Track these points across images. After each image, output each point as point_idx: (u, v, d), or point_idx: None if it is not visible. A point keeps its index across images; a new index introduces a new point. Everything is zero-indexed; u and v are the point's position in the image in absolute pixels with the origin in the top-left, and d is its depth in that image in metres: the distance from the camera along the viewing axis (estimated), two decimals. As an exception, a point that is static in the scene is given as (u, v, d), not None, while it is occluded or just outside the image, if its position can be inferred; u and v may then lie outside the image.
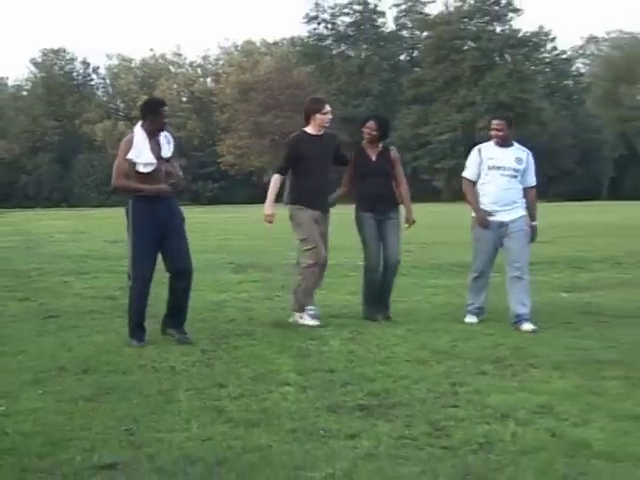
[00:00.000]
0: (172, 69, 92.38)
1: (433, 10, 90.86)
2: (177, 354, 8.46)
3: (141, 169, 8.87)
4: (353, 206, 10.70)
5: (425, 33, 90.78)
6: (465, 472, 5.12)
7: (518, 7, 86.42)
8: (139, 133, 9.02)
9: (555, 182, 75.38)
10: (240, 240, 25.11)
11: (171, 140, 9.24)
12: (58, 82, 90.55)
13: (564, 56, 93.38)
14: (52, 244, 24.46)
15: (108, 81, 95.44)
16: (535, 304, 11.00)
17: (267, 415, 6.39)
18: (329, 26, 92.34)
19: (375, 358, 8.38)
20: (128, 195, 9.14)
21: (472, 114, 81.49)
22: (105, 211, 56.55)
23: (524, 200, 10.19)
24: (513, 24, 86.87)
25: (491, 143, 10.25)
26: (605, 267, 16.26)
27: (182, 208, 9.55)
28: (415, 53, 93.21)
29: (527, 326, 9.71)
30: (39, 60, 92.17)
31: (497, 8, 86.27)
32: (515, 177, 10.08)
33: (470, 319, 10.28)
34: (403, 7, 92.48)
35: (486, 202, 10.10)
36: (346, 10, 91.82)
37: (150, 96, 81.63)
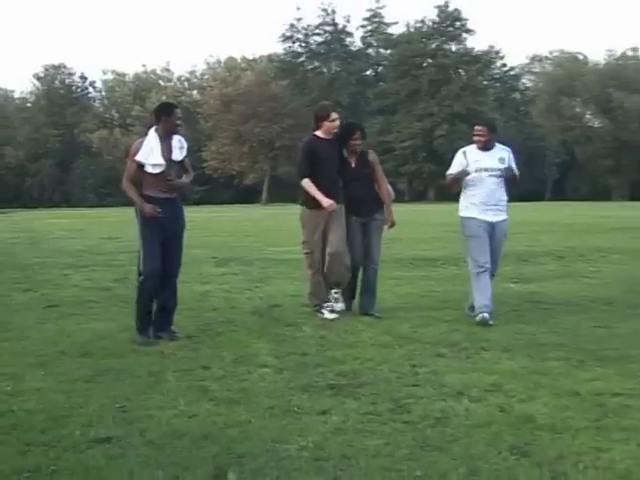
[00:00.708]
0: (162, 83, 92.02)
1: (396, 30, 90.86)
2: (166, 339, 8.44)
3: (149, 170, 8.40)
4: None
5: (389, 51, 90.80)
6: (424, 444, 5.14)
7: (471, 28, 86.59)
8: (152, 135, 8.48)
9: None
10: (222, 237, 25.01)
11: (184, 144, 8.71)
12: (59, 95, 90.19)
13: (512, 72, 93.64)
14: (53, 240, 24.33)
15: (104, 93, 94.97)
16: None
17: (247, 394, 6.40)
18: (303, 44, 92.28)
19: (344, 342, 8.39)
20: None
21: (430, 123, 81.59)
22: (101, 211, 56.37)
23: (507, 200, 9.84)
24: (467, 43, 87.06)
25: (474, 146, 9.81)
26: (548, 260, 16.32)
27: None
28: (380, 69, 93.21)
29: (485, 317, 9.25)
30: (41, 75, 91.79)
31: (452, 29, 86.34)
32: (501, 177, 9.70)
33: (484, 318, 9.29)
34: (369, 28, 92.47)
35: (476, 202, 9.65)
36: (318, 30, 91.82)
37: (142, 105, 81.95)
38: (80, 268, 15.83)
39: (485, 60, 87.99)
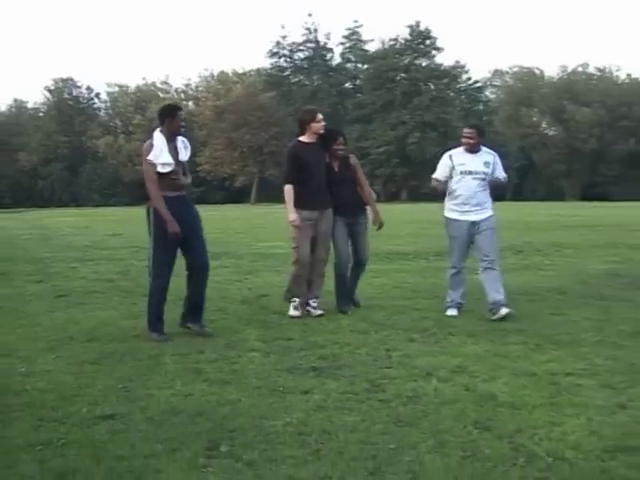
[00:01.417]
0: (161, 94, 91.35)
1: (372, 47, 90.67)
2: (164, 327, 8.41)
3: (159, 169, 7.75)
4: None
5: (365, 66, 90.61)
6: (397, 419, 5.16)
7: (439, 46, 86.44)
8: (158, 137, 7.87)
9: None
10: (215, 233, 24.91)
11: (188, 145, 8.16)
12: (67, 105, 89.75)
13: (476, 85, 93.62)
14: (62, 237, 24.23)
15: (108, 104, 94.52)
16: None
17: (237, 375, 6.39)
18: (288, 60, 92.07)
19: (325, 329, 8.39)
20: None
21: (403, 131, 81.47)
22: (106, 210, 56.16)
23: (491, 200, 9.40)
24: (436, 59, 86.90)
25: (461, 149, 9.28)
26: (509, 255, 16.33)
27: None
28: (357, 82, 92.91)
29: (504, 310, 8.76)
30: (52, 87, 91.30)
31: (423, 46, 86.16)
32: (484, 180, 9.20)
33: (451, 312, 9.18)
34: (348, 45, 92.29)
35: (459, 203, 9.17)
36: (301, 47, 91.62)
37: (142, 114, 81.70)
38: (86, 262, 15.77)
39: (452, 74, 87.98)
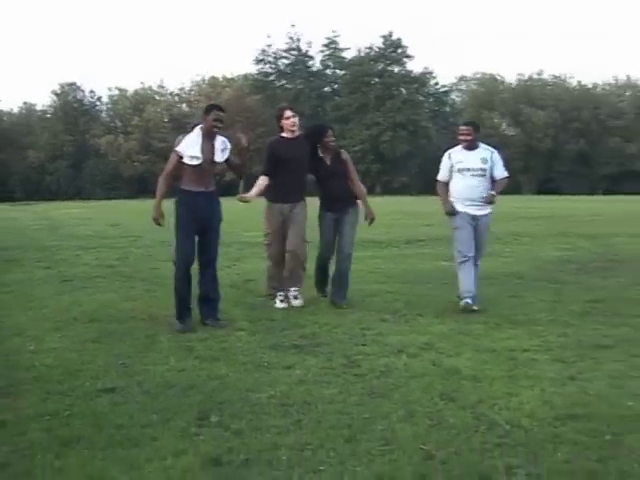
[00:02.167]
0: (157, 97, 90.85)
1: (349, 55, 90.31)
2: (159, 308, 8.38)
3: (187, 161, 7.41)
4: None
5: (343, 71, 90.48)
6: (370, 392, 5.17)
7: (410, 54, 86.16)
8: (196, 131, 7.57)
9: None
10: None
11: (228, 146, 7.70)
12: (72, 107, 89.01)
13: (443, 89, 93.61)
14: (68, 227, 24.08)
15: (109, 106, 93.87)
16: (422, 270, 11.07)
17: (226, 352, 6.39)
18: (273, 66, 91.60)
19: (305, 310, 8.41)
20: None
21: (377, 131, 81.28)
22: (107, 203, 55.88)
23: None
24: (407, 66, 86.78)
25: (459, 147, 8.75)
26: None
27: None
28: (336, 86, 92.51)
29: (470, 302, 8.33)
30: (58, 91, 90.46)
31: (395, 54, 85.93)
32: (483, 176, 8.65)
33: (467, 303, 8.34)
34: (327, 52, 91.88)
35: (460, 198, 8.63)
36: (285, 54, 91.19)
37: (140, 116, 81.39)
38: (89, 249, 15.70)
39: (421, 80, 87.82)
